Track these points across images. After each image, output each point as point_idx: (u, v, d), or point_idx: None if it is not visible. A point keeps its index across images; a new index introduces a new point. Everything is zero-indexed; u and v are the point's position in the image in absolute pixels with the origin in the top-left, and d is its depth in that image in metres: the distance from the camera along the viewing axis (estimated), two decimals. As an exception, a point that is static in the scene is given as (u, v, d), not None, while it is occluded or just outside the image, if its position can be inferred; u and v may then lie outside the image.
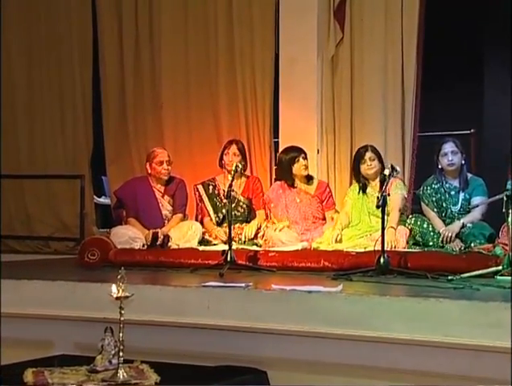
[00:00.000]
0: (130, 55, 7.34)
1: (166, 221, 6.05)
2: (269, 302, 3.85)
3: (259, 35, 6.82)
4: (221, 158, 6.20)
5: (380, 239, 4.79)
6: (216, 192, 6.22)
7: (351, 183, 6.28)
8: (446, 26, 7.36)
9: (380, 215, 4.87)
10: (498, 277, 4.44)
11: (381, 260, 4.68)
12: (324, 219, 6.08)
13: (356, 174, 5.94)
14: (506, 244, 4.68)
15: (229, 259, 4.99)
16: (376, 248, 4.90)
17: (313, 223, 6.05)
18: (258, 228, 5.98)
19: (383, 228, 4.80)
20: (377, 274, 4.66)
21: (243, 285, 4.13)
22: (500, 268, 4.48)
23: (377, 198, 4.88)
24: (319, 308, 3.75)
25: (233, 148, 6.13)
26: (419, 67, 6.38)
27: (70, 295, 4.32)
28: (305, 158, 6.04)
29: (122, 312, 3.39)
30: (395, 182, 5.73)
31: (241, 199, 6.15)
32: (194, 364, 3.81)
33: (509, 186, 5.23)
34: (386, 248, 4.80)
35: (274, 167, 6.79)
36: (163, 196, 6.13)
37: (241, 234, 5.92)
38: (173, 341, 4.01)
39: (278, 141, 6.73)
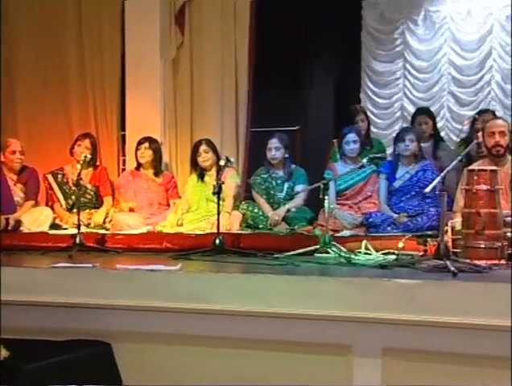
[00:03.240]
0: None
1: (18, 207, 5.83)
2: (114, 281, 3.79)
3: (107, 36, 6.64)
4: (72, 148, 6.08)
5: (216, 222, 4.84)
6: (65, 180, 6.09)
7: (191, 173, 6.29)
8: (275, 28, 7.47)
9: (217, 201, 4.92)
10: (317, 255, 4.59)
11: (217, 241, 4.72)
12: (169, 205, 6.07)
13: (193, 164, 5.97)
14: (324, 226, 4.87)
15: (77, 241, 4.88)
16: (213, 231, 4.95)
17: (158, 208, 6.03)
18: (107, 214, 5.90)
19: (219, 213, 4.85)
20: (214, 254, 4.68)
21: (90, 265, 4.05)
22: (318, 246, 4.62)
23: (214, 186, 4.93)
24: (160, 285, 3.73)
25: (87, 142, 6.07)
26: (250, 68, 6.47)
27: None
28: (148, 148, 6.02)
29: (-26, 292, 3.25)
30: (230, 172, 5.81)
31: (89, 186, 6.05)
32: (44, 339, 3.71)
33: (326, 176, 5.47)
34: (221, 231, 4.85)
35: (121, 158, 6.70)
36: (15, 184, 5.92)
37: (90, 219, 5.82)
38: (25, 318, 3.86)
39: (125, 134, 6.63)
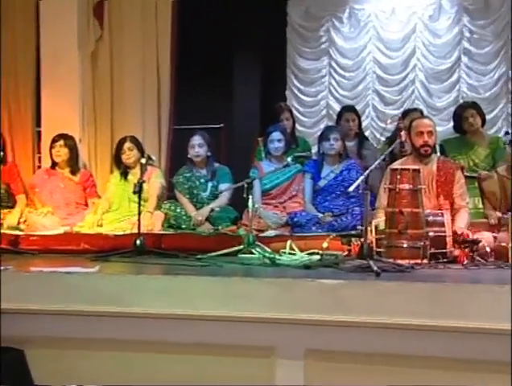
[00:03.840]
0: None
1: None
2: (28, 284, 3.70)
3: (20, 30, 6.54)
4: None
5: (137, 222, 4.80)
6: (-29, 180, 5.94)
7: (112, 171, 6.23)
8: (199, 24, 7.49)
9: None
10: (241, 255, 4.62)
11: (138, 241, 4.68)
12: (87, 205, 5.98)
13: (117, 162, 5.91)
14: (248, 225, 4.89)
15: (-12, 244, 4.77)
16: (134, 231, 4.91)
17: (76, 208, 5.93)
18: (21, 215, 5.76)
19: (139, 212, 4.81)
20: (135, 255, 4.63)
21: (2, 267, 3.94)
22: (242, 247, 4.65)
23: (134, 184, 4.88)
24: (77, 288, 3.65)
25: None
26: (173, 66, 6.46)
27: None
28: (63, 145, 5.92)
29: None
30: (155, 172, 5.78)
31: (-2, 184, 5.90)
32: (-48, 347, 3.59)
33: (251, 175, 5.50)
34: (142, 231, 4.82)
35: (37, 155, 6.57)
36: None
37: (3, 219, 5.67)
38: None
39: (40, 131, 6.51)
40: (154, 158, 5.17)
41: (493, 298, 3.11)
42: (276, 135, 5.70)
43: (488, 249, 4.35)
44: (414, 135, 5.00)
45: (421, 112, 6.29)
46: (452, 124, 6.19)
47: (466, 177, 5.31)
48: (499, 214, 5.18)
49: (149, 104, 6.45)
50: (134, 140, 5.85)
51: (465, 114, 5.93)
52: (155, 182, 5.74)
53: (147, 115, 6.45)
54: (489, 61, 7.75)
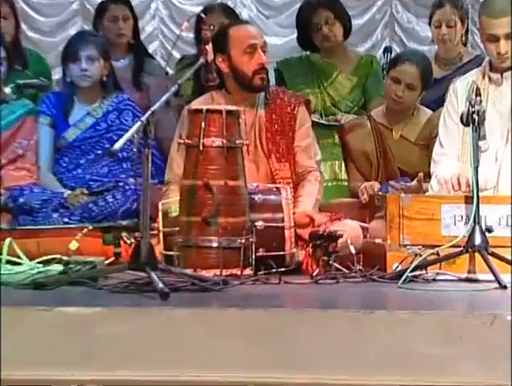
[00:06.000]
0: None
1: None
2: None
3: None
4: None
5: None
6: None
7: None
8: None
9: None
10: None
11: None
12: None
13: None
14: None
15: None
16: None
17: None
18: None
19: None
20: None
21: None
22: None
23: None
24: None
25: None
26: None
27: None
28: None
29: None
30: None
31: None
32: None
33: None
34: None
35: None
36: None
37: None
38: None
39: None
40: None
41: (353, 332, 3.28)
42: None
43: (353, 250, 4.52)
44: (240, 52, 5.06)
45: (227, 8, 6.42)
46: (295, 34, 6.38)
47: (320, 125, 5.55)
48: (377, 185, 5.43)
49: None
50: None
51: (316, 19, 6.12)
52: None
53: None
54: None
